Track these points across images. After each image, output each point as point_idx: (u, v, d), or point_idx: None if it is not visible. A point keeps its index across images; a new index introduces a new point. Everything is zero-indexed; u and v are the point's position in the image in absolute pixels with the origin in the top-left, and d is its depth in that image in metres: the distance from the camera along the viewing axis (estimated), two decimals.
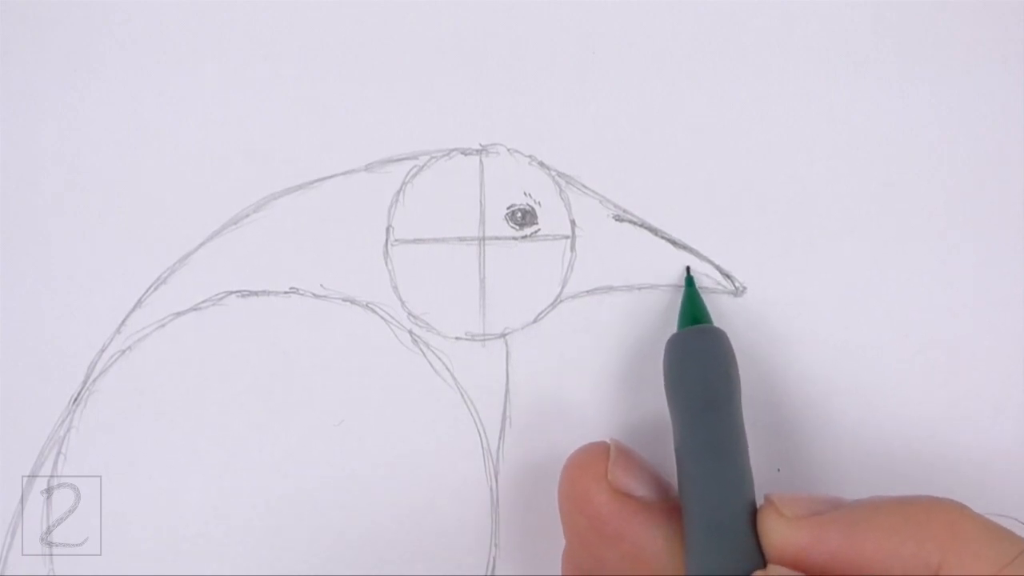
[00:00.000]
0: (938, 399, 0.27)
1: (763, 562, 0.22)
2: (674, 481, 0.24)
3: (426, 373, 0.27)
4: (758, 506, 0.23)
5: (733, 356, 0.24)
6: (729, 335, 0.24)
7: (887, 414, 0.27)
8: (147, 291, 0.27)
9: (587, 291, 0.27)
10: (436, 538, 0.27)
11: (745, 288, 0.27)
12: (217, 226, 0.27)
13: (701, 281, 0.27)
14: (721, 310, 0.27)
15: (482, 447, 0.27)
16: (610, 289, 0.27)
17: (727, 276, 0.27)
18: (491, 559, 0.27)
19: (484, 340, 0.27)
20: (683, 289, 0.26)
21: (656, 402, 0.26)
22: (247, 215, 0.27)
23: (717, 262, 0.27)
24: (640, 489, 0.23)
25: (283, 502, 0.27)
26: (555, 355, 0.27)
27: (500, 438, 0.27)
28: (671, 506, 0.23)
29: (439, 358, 0.27)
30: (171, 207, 0.27)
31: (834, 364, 0.27)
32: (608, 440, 0.24)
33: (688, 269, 0.26)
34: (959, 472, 0.26)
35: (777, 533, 0.22)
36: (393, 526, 0.27)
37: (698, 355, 0.24)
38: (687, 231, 0.27)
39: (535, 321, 0.27)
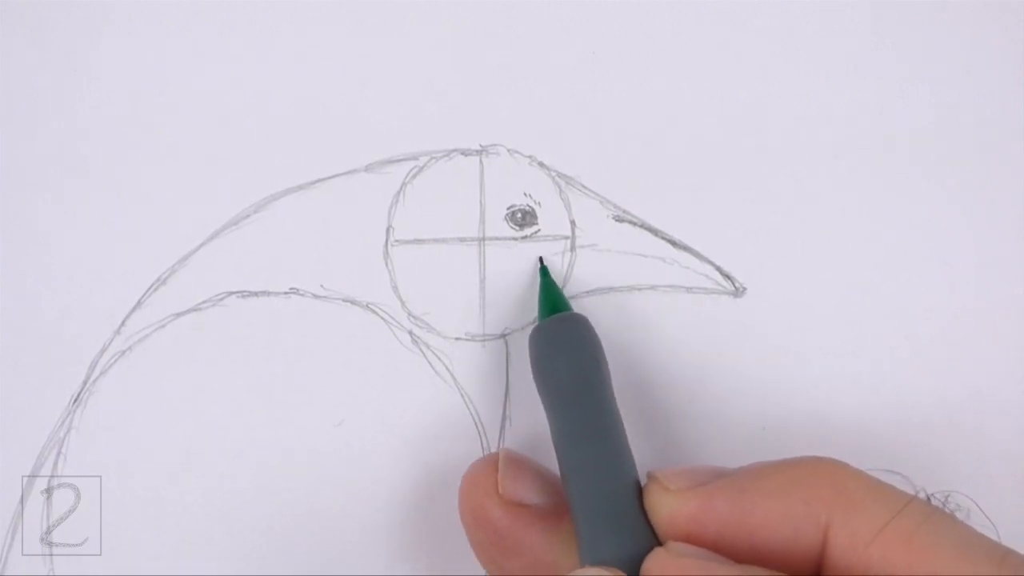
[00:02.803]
0: (938, 399, 0.27)
1: (656, 541, 0.21)
2: None
3: (426, 373, 0.27)
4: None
5: (597, 340, 0.24)
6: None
7: (887, 414, 0.27)
8: (147, 291, 0.27)
9: (587, 291, 0.27)
10: (436, 538, 0.27)
11: (745, 288, 0.27)
12: (217, 226, 0.27)
13: (701, 282, 0.27)
14: (721, 310, 0.27)
15: (482, 447, 0.27)
16: (610, 289, 0.27)
17: (727, 276, 0.27)
18: None
19: (484, 340, 0.27)
20: (539, 280, 0.26)
21: (656, 401, 0.26)
22: (247, 215, 0.27)
23: (717, 262, 0.27)
24: (534, 497, 0.23)
25: (283, 502, 0.27)
26: None
27: (500, 438, 0.27)
28: (566, 507, 0.23)
29: (439, 358, 0.27)
30: (171, 207, 0.27)
31: (834, 364, 0.27)
32: (501, 450, 0.24)
33: (541, 259, 0.26)
34: (956, 469, 0.26)
35: (665, 507, 0.21)
36: (393, 526, 0.27)
37: (563, 344, 0.24)
38: (687, 231, 0.27)
39: (535, 321, 0.27)
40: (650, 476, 0.22)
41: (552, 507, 0.23)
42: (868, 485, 0.20)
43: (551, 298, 0.25)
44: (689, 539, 0.21)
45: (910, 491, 0.20)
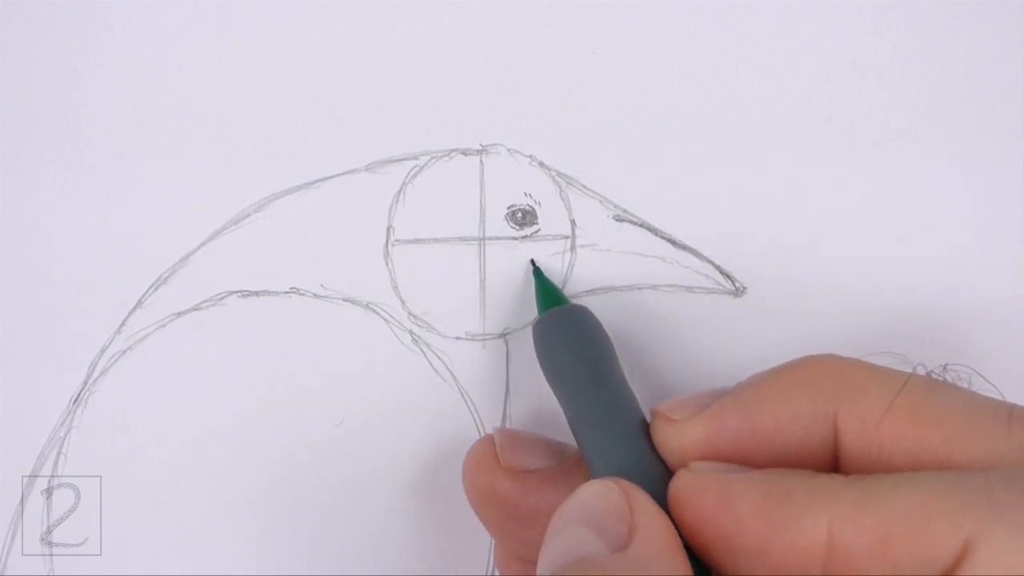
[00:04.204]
0: None
1: (668, 473, 0.21)
2: (567, 441, 0.24)
3: (426, 373, 0.27)
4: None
5: (598, 325, 0.24)
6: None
7: None
8: (147, 291, 0.27)
9: (587, 291, 0.27)
10: (436, 538, 0.27)
11: (745, 288, 0.27)
12: (217, 226, 0.27)
13: (701, 281, 0.27)
14: (721, 310, 0.27)
15: None
16: (610, 289, 0.27)
17: (727, 276, 0.27)
18: (491, 559, 0.27)
19: (484, 340, 0.27)
20: (533, 280, 0.26)
21: (656, 402, 0.26)
22: (247, 215, 0.27)
23: (717, 262, 0.27)
24: (536, 461, 0.23)
25: (283, 502, 0.27)
26: None
27: None
28: (573, 464, 0.23)
29: (439, 358, 0.27)
30: (171, 207, 0.27)
31: None
32: (489, 433, 0.25)
33: (532, 262, 0.27)
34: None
35: (674, 439, 0.21)
36: (393, 526, 0.27)
37: (565, 334, 0.24)
38: (687, 231, 0.27)
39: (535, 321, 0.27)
40: (653, 412, 0.22)
41: (558, 467, 0.23)
42: (867, 370, 0.21)
43: (547, 293, 0.25)
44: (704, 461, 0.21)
45: (908, 368, 0.20)
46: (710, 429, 0.21)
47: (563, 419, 0.23)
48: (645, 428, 0.22)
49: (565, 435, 0.24)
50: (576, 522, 0.19)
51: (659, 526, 0.19)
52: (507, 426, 0.25)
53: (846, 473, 0.19)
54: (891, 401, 0.20)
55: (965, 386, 0.24)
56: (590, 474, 0.22)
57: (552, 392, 0.24)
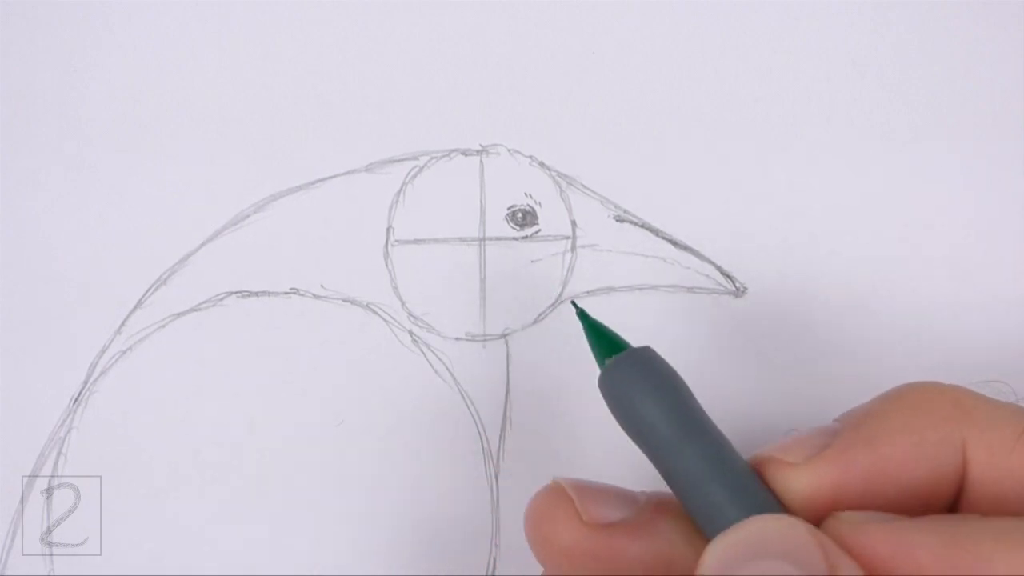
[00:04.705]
0: None
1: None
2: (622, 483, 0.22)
3: (426, 373, 0.27)
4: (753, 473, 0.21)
5: (664, 367, 0.22)
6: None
7: None
8: (147, 291, 0.27)
9: (587, 292, 0.27)
10: (436, 538, 0.27)
11: (745, 288, 0.27)
12: (217, 226, 0.27)
13: (702, 282, 0.27)
14: (722, 310, 0.27)
15: (482, 447, 0.27)
16: (611, 290, 0.27)
17: (727, 276, 0.27)
18: (491, 559, 0.27)
19: (484, 340, 0.27)
20: (582, 325, 0.23)
21: None
22: (247, 215, 0.27)
23: (717, 262, 0.27)
24: (616, 512, 0.21)
25: (283, 502, 0.27)
26: (555, 355, 0.27)
27: (500, 438, 0.27)
28: (653, 512, 0.22)
29: (439, 358, 0.27)
30: (171, 207, 0.27)
31: (834, 364, 0.27)
32: (555, 482, 0.22)
33: (574, 304, 0.23)
34: None
35: (798, 482, 0.20)
36: (393, 526, 0.27)
37: (636, 388, 0.21)
38: (687, 231, 0.27)
39: (535, 322, 0.27)
40: (766, 458, 0.21)
41: (638, 517, 0.21)
42: (984, 400, 0.20)
43: (601, 340, 0.22)
44: (836, 507, 0.20)
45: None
46: (838, 469, 0.20)
47: (562, 420, 0.23)
48: (755, 474, 0.21)
49: (566, 436, 0.25)
50: (771, 555, 0.18)
51: (856, 568, 0.18)
52: (563, 477, 0.23)
53: (973, 504, 0.19)
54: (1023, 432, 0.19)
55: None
56: (698, 526, 0.21)
57: (553, 400, 0.23)
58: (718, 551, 0.19)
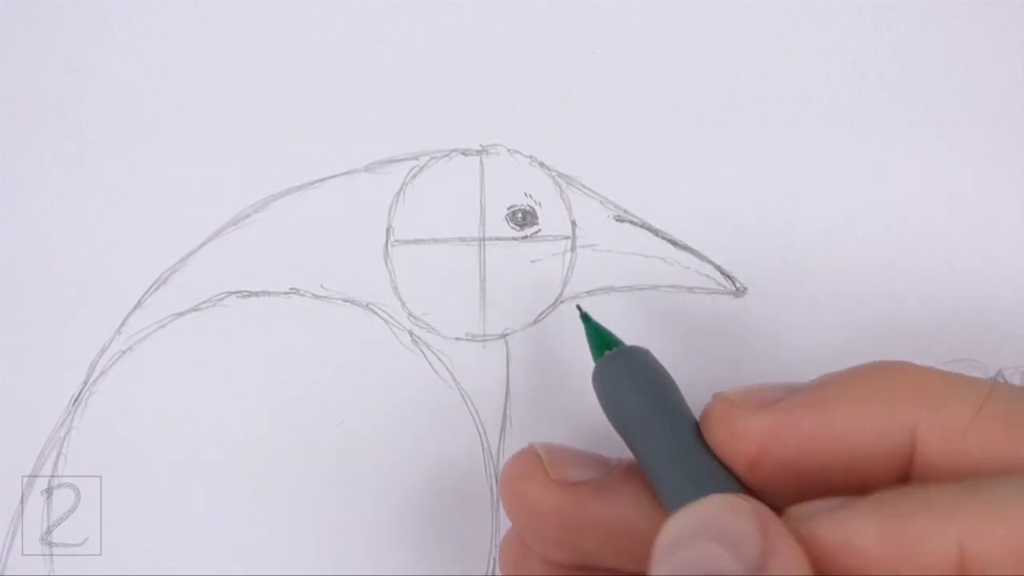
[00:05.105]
0: None
1: (730, 475, 0.21)
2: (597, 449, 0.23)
3: (426, 374, 0.27)
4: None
5: (655, 366, 0.23)
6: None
7: None
8: (147, 291, 0.27)
9: (587, 292, 0.27)
10: (436, 538, 0.27)
11: (745, 288, 0.27)
12: (217, 226, 0.27)
13: (702, 281, 0.27)
14: (722, 310, 0.27)
15: (482, 447, 0.27)
16: (611, 290, 0.27)
17: (727, 276, 0.27)
18: (491, 559, 0.27)
19: (484, 341, 0.27)
20: (583, 326, 0.25)
21: None
22: (247, 215, 0.27)
23: (717, 262, 0.27)
24: (584, 472, 0.23)
25: (283, 502, 0.27)
26: (555, 355, 0.27)
27: (500, 438, 0.27)
28: (620, 474, 0.22)
29: (439, 359, 0.27)
30: (171, 207, 0.27)
31: (834, 365, 0.27)
32: (531, 445, 0.23)
33: (579, 307, 0.25)
34: None
35: (737, 426, 0.21)
36: (393, 526, 0.27)
37: (621, 379, 0.23)
38: (687, 231, 0.27)
39: (535, 322, 0.27)
40: (718, 397, 0.21)
41: (606, 478, 0.22)
42: (947, 380, 0.20)
43: (599, 337, 0.24)
44: (763, 454, 0.20)
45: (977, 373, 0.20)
46: (781, 424, 0.20)
47: (562, 420, 0.23)
48: (718, 462, 0.21)
49: (566, 437, 0.25)
50: (706, 537, 0.18)
51: (795, 552, 0.18)
52: (537, 441, 0.24)
53: (920, 480, 0.19)
54: (979, 408, 0.19)
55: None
56: (655, 490, 0.21)
57: (553, 400, 0.24)
58: (669, 529, 0.19)
